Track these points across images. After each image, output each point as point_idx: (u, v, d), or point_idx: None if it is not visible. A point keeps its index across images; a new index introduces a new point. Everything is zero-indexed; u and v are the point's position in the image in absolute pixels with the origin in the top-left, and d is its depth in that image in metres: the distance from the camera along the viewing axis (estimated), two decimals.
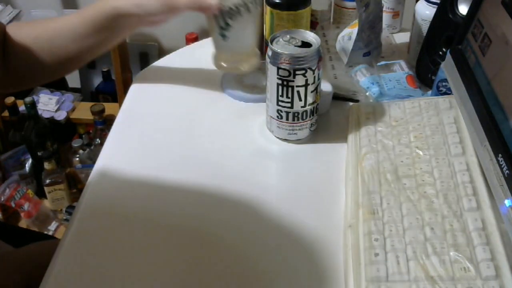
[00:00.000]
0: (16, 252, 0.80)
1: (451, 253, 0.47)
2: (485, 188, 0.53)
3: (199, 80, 0.80)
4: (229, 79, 0.78)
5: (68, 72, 0.80)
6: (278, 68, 0.60)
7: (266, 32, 0.78)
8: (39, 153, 1.72)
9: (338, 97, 0.74)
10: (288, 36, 0.62)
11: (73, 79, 1.97)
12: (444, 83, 0.68)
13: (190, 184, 0.62)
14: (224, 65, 0.73)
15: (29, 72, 0.73)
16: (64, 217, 1.70)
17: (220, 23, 0.67)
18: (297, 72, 0.60)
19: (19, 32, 0.70)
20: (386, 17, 0.88)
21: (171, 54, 0.88)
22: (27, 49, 0.69)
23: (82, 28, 0.69)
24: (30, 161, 1.80)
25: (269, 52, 0.61)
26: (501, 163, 0.49)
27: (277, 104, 0.64)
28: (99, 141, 1.72)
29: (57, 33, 0.70)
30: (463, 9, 0.70)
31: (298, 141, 0.67)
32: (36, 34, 0.70)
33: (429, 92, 0.73)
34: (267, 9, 0.75)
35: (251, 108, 0.74)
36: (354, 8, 0.87)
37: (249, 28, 0.67)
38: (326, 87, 0.70)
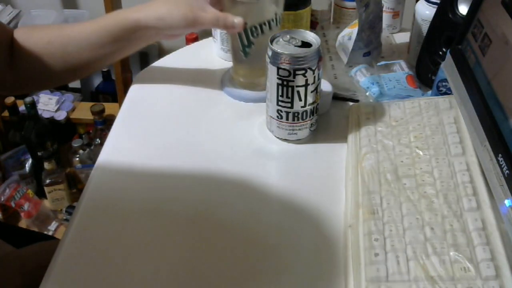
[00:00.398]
0: (17, 252, 0.80)
1: (451, 253, 0.47)
2: (485, 188, 0.53)
3: (199, 80, 0.80)
4: (229, 79, 0.78)
5: (77, 78, 0.79)
6: (278, 68, 0.60)
7: None
8: (39, 153, 1.72)
9: (338, 97, 0.74)
10: (288, 36, 0.62)
11: None
12: (444, 83, 0.68)
13: (190, 184, 0.62)
14: (242, 80, 0.74)
15: (38, 77, 0.72)
16: (64, 217, 1.70)
17: (243, 41, 0.68)
18: (297, 72, 0.60)
19: (30, 36, 0.70)
20: (386, 17, 0.88)
21: (171, 54, 0.88)
22: (38, 54, 0.69)
23: (98, 37, 0.69)
24: (30, 161, 1.80)
25: (269, 52, 0.61)
26: (501, 163, 0.49)
27: (277, 104, 0.64)
28: (99, 141, 1.72)
29: (71, 40, 0.69)
30: (463, 9, 0.70)
31: (298, 141, 0.67)
32: (48, 39, 0.69)
33: (429, 92, 0.73)
34: None
35: (251, 108, 0.74)
36: (354, 8, 0.87)
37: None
38: (326, 87, 0.70)
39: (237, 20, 0.67)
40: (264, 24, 0.67)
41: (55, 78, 0.74)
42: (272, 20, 0.67)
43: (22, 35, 0.70)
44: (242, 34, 0.68)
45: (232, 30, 0.68)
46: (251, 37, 0.68)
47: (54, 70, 0.70)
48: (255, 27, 0.67)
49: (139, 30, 0.69)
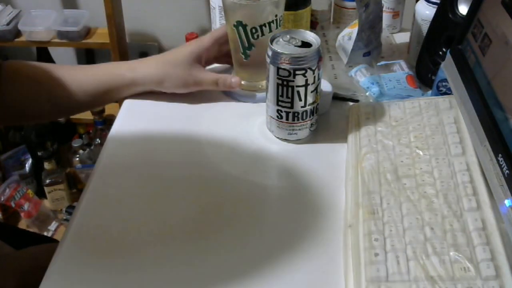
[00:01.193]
0: (16, 254, 0.80)
1: (451, 253, 0.47)
2: (485, 188, 0.53)
3: None
4: None
5: (59, 118, 0.81)
6: (278, 68, 0.60)
7: None
8: (39, 153, 1.72)
9: (338, 97, 0.74)
10: (288, 36, 0.62)
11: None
12: (444, 83, 0.68)
13: (190, 184, 0.62)
14: (243, 83, 0.74)
15: (20, 113, 0.71)
16: (64, 217, 1.71)
17: (243, 43, 0.68)
18: (297, 72, 0.60)
19: (18, 73, 0.69)
20: (386, 17, 0.88)
21: None
22: (24, 93, 0.68)
23: (90, 86, 0.69)
24: (30, 161, 1.80)
25: (269, 52, 0.61)
26: (501, 163, 0.49)
27: (277, 104, 0.64)
28: (99, 141, 1.73)
29: (61, 84, 0.69)
30: (463, 9, 0.70)
31: (298, 141, 0.67)
32: (38, 79, 0.69)
33: (429, 92, 0.73)
34: None
35: (251, 108, 0.74)
36: (354, 8, 0.87)
37: None
38: (326, 87, 0.70)
39: (234, 79, 0.72)
40: (265, 25, 0.67)
41: (37, 116, 0.75)
42: (273, 22, 0.67)
43: (11, 71, 0.68)
44: (242, 36, 0.68)
45: (230, 89, 0.73)
46: (251, 39, 0.68)
47: (38, 109, 0.70)
48: (255, 29, 0.67)
49: (134, 87, 0.71)
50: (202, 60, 0.73)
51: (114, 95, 0.71)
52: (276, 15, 0.67)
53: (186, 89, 0.72)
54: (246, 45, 0.69)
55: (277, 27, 0.68)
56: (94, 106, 0.75)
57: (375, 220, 0.52)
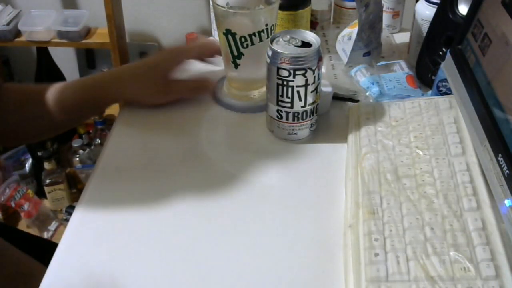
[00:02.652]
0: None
1: (451, 253, 0.47)
2: (485, 188, 0.53)
3: None
4: (222, 89, 0.77)
5: (42, 139, 0.83)
6: (278, 68, 0.60)
7: None
8: (39, 153, 1.72)
9: (338, 97, 0.74)
10: (288, 36, 0.62)
11: (73, 79, 1.97)
12: (444, 83, 0.68)
13: (190, 185, 0.62)
14: (236, 92, 0.74)
15: (8, 134, 0.71)
16: (64, 217, 1.71)
17: (233, 52, 0.67)
18: (297, 72, 0.60)
19: (11, 96, 0.69)
20: (386, 17, 0.88)
21: None
22: (13, 113, 0.68)
23: (77, 104, 0.70)
24: (30, 161, 1.80)
25: (269, 52, 0.61)
26: (501, 163, 0.49)
27: (277, 104, 0.64)
28: (99, 141, 1.72)
29: (51, 107, 0.68)
30: (463, 9, 0.70)
31: (298, 141, 0.67)
32: (25, 100, 0.69)
33: (429, 92, 0.73)
34: None
35: None
36: (354, 8, 0.87)
37: (260, 57, 0.65)
38: (326, 87, 0.70)
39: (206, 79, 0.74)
40: (254, 35, 0.66)
41: (32, 137, 0.78)
42: (263, 31, 0.66)
43: (3, 95, 0.68)
44: (232, 44, 0.67)
45: (208, 86, 0.74)
46: (240, 48, 0.68)
47: (32, 131, 0.72)
48: (244, 38, 0.66)
49: (122, 102, 0.75)
50: (172, 72, 0.72)
51: (101, 108, 0.79)
52: (267, 25, 0.67)
53: (161, 101, 0.73)
54: (236, 53, 0.68)
55: (267, 37, 0.67)
56: (81, 122, 0.77)
57: (375, 220, 0.52)
